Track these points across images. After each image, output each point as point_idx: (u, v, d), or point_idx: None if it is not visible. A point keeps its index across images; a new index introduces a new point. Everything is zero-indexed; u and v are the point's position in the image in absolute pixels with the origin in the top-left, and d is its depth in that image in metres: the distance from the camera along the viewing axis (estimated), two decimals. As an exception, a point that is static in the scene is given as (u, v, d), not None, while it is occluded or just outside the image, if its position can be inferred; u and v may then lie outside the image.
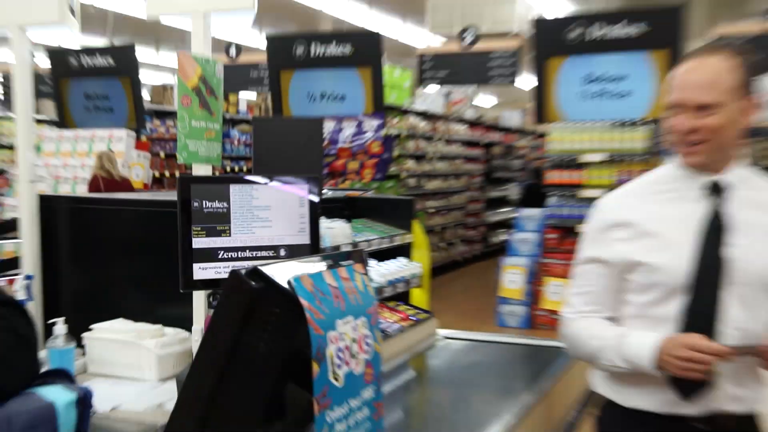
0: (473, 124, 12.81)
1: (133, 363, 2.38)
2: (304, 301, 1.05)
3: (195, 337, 2.45)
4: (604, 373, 1.91)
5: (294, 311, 1.07)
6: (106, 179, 6.55)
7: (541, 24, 7.09)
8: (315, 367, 1.06)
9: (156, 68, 16.65)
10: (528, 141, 15.24)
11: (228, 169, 10.60)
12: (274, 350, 1.08)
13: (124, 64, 7.91)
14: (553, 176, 7.08)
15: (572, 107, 7.03)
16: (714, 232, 1.78)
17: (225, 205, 2.09)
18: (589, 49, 6.77)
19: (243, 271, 1.03)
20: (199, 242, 2.06)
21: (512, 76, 8.76)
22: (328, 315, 1.09)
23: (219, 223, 2.08)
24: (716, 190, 1.81)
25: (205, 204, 2.07)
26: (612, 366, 1.81)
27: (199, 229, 2.06)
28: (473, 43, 8.81)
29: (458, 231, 11.94)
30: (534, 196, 8.38)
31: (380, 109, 7.37)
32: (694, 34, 12.41)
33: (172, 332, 2.46)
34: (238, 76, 9.86)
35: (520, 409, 2.18)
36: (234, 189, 2.10)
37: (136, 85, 8.00)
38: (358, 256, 1.27)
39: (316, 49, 7.63)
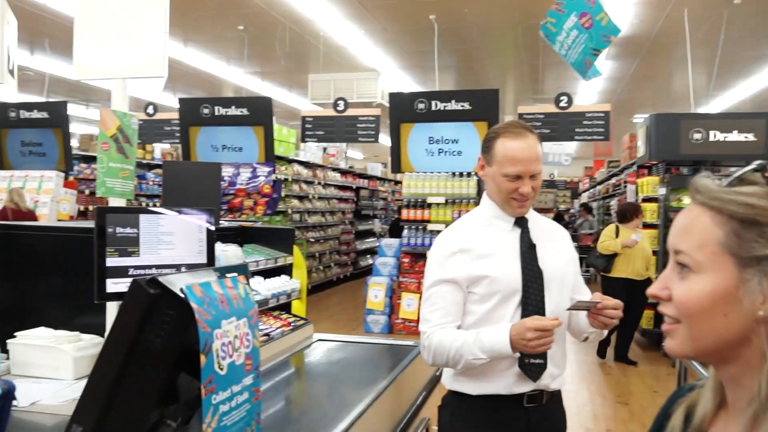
0: (345, 172, 12.88)
1: (52, 365, 2.20)
2: (194, 305, 1.01)
3: (108, 342, 2.31)
4: (454, 372, 1.90)
5: (186, 313, 1.03)
6: (14, 210, 6.27)
7: (395, 97, 7.27)
8: (202, 359, 1.02)
9: (86, 121, 15.85)
10: (388, 186, 15.49)
11: (144, 204, 10.17)
12: (168, 345, 1.03)
13: (56, 118, 7.53)
14: (408, 213, 7.20)
15: (419, 161, 7.21)
16: (529, 250, 1.88)
17: (135, 230, 1.99)
18: (431, 118, 7.00)
19: (143, 280, 0.98)
20: (112, 261, 1.95)
21: (375, 136, 8.88)
22: (215, 316, 1.06)
23: (129, 246, 1.98)
24: (522, 222, 1.92)
25: (118, 230, 1.97)
26: (475, 359, 1.77)
27: (112, 250, 1.95)
28: (344, 109, 8.89)
29: (333, 256, 11.90)
30: (397, 228, 8.53)
31: (271, 158, 7.31)
32: (504, 110, 13.16)
33: (88, 338, 2.29)
34: (154, 130, 9.48)
35: (378, 392, 2.18)
36: (143, 218, 2.01)
37: (66, 135, 7.61)
38: (241, 269, 1.24)
39: (219, 110, 7.51)
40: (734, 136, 6.59)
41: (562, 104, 7.84)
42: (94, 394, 0.99)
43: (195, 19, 8.04)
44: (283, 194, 9.11)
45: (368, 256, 13.45)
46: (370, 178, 14.42)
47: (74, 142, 10.40)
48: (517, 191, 1.85)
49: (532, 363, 1.83)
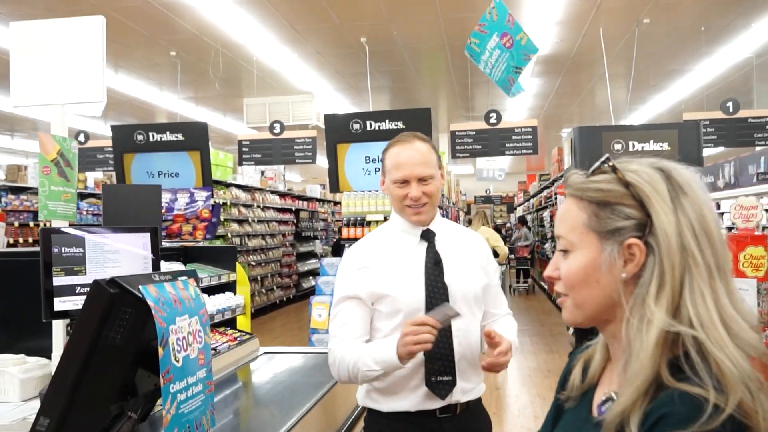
0: (284, 194, 12.92)
1: (-3, 388, 2.23)
2: (150, 303, 1.12)
3: (54, 363, 2.34)
4: (366, 388, 1.89)
5: (143, 312, 1.13)
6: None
7: (330, 119, 7.39)
8: (160, 351, 1.13)
9: (11, 152, 15.37)
10: (327, 207, 15.59)
11: (77, 236, 9.92)
12: (128, 341, 1.12)
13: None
14: (348, 232, 7.30)
15: (357, 180, 7.34)
16: (434, 266, 1.84)
17: (81, 250, 2.05)
18: (367, 138, 7.14)
19: (102, 281, 1.08)
20: (58, 280, 2.00)
21: (312, 157, 8.99)
22: (169, 313, 1.17)
23: (76, 265, 2.04)
24: (429, 236, 1.90)
25: (64, 250, 2.03)
26: (369, 370, 1.72)
27: (59, 269, 2.01)
28: (281, 132, 8.98)
29: (275, 279, 11.87)
30: (339, 248, 8.60)
31: (208, 183, 7.31)
32: (438, 128, 13.52)
33: (33, 360, 2.31)
34: (86, 158, 9.29)
35: (320, 396, 2.28)
36: (89, 238, 2.08)
37: (-9, 166, 7.39)
38: (191, 273, 1.35)
39: (154, 136, 7.49)
40: (651, 146, 7.03)
41: (491, 121, 8.17)
42: (60, 387, 1.08)
43: (126, 45, 8.00)
44: (222, 218, 9.10)
45: (310, 277, 13.47)
46: (309, 199, 14.49)
47: (0, 174, 10.08)
48: (408, 197, 1.85)
49: (439, 381, 1.80)
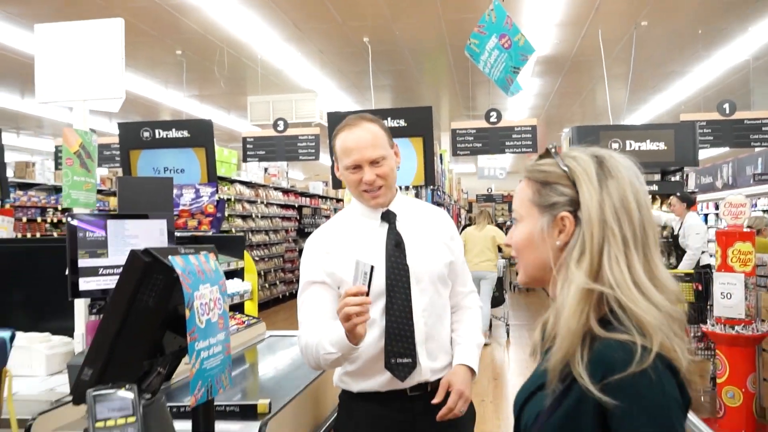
0: (287, 191, 13.11)
1: (25, 363, 2.39)
2: (178, 271, 1.29)
3: (77, 341, 2.51)
4: (339, 372, 1.90)
5: (171, 279, 1.30)
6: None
7: (333, 117, 7.52)
8: (187, 312, 1.29)
9: (15, 149, 15.60)
10: (330, 204, 15.77)
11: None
12: (158, 304, 1.30)
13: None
14: (348, 227, 7.47)
15: (359, 176, 7.52)
16: (395, 247, 1.83)
17: (103, 234, 2.23)
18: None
19: (138, 251, 1.25)
20: (83, 262, 2.18)
21: (315, 154, 9.17)
22: (194, 281, 1.33)
23: (99, 248, 2.21)
24: (389, 218, 1.88)
25: (88, 234, 2.20)
26: (326, 353, 1.70)
27: (83, 252, 2.18)
28: (284, 129, 9.16)
29: (279, 274, 12.06)
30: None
31: (213, 179, 7.47)
32: (440, 127, 13.68)
33: (57, 338, 2.49)
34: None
35: (320, 373, 2.43)
36: (110, 223, 2.25)
37: (1, 163, 7.54)
38: (211, 249, 1.52)
39: (160, 133, 7.65)
40: (647, 145, 7.19)
41: (492, 119, 8.35)
42: (101, 343, 1.25)
43: (133, 44, 8.18)
44: (226, 214, 9.27)
45: (313, 273, 13.65)
46: (312, 196, 14.68)
47: (9, 171, 10.27)
48: (362, 182, 1.82)
49: (399, 363, 1.78)
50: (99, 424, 1.06)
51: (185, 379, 2.17)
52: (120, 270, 2.23)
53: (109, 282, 2.22)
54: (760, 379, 4.65)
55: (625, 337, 0.95)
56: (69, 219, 2.16)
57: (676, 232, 6.79)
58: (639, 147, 7.20)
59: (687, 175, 7.89)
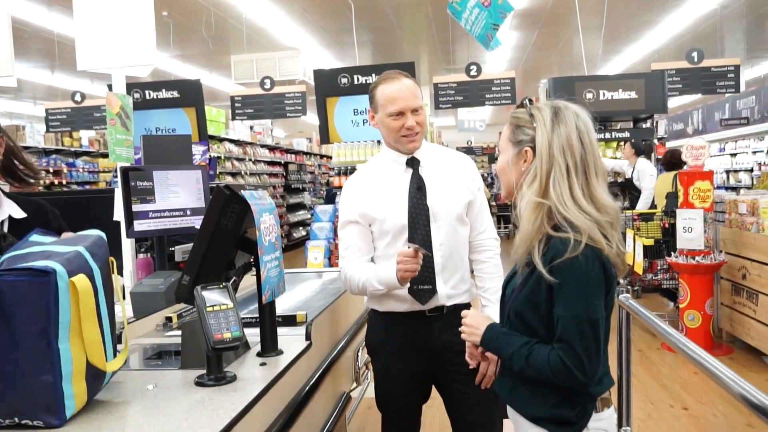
0: (273, 148, 13.39)
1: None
2: (250, 201, 1.69)
3: (126, 277, 2.90)
4: (368, 295, 2.15)
5: (243, 208, 1.70)
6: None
7: (319, 74, 7.85)
8: (257, 233, 1.70)
9: (11, 115, 15.62)
10: (314, 160, 16.07)
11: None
12: (234, 227, 1.70)
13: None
14: (339, 181, 7.83)
15: (346, 132, 7.81)
16: (417, 191, 2.07)
17: (150, 183, 2.60)
18: (355, 91, 7.55)
19: (221, 186, 1.65)
20: (136, 207, 2.56)
21: (302, 111, 9.44)
22: (259, 209, 1.73)
23: (147, 195, 2.59)
24: (413, 164, 2.11)
25: (138, 183, 2.58)
26: (374, 290, 2.02)
27: (135, 199, 2.56)
28: (271, 87, 9.41)
29: (267, 230, 12.43)
30: (332, 197, 9.18)
31: (204, 137, 7.78)
32: (420, 81, 13.94)
33: (108, 276, 2.89)
34: (83, 117, 9.71)
35: (339, 294, 2.81)
36: (156, 174, 2.62)
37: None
38: (265, 187, 1.92)
39: (150, 94, 7.92)
40: (619, 95, 7.62)
41: (472, 73, 8.68)
42: (195, 256, 1.67)
43: (119, 5, 8.34)
44: (218, 171, 9.58)
45: (300, 227, 14.04)
46: (297, 153, 14.96)
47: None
48: (404, 127, 2.05)
49: (420, 289, 2.05)
50: (209, 309, 1.48)
51: (243, 297, 2.58)
52: (165, 214, 2.64)
53: (159, 224, 2.61)
54: (717, 303, 5.20)
55: (565, 235, 1.42)
56: (121, 170, 2.53)
57: (628, 176, 7.25)
58: (612, 96, 7.63)
59: (657, 122, 8.35)
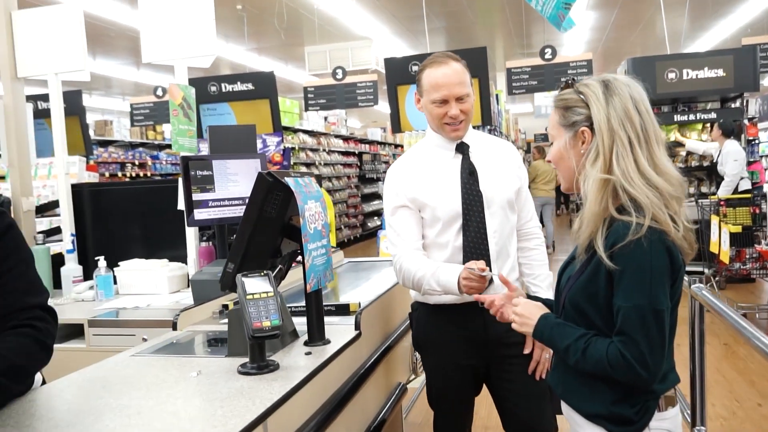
0: (347, 138, 13.48)
1: (150, 284, 2.87)
2: (293, 188, 1.66)
3: (190, 265, 2.96)
4: (423, 291, 2.03)
5: (287, 196, 1.68)
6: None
7: (390, 62, 7.79)
8: (301, 220, 1.67)
9: (91, 110, 16.52)
10: (388, 150, 16.08)
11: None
12: (278, 214, 1.67)
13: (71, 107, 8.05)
14: (408, 169, 7.78)
15: (417, 120, 7.74)
16: (469, 176, 1.99)
17: (210, 172, 2.63)
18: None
19: (264, 173, 1.63)
20: (196, 196, 2.59)
21: (374, 100, 9.44)
22: (303, 196, 1.70)
23: (207, 184, 2.62)
24: (463, 149, 2.04)
25: (198, 172, 2.61)
26: (431, 289, 1.93)
27: (195, 188, 2.59)
28: (343, 78, 9.45)
29: (343, 219, 12.55)
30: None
31: (278, 128, 7.87)
32: (495, 67, 13.65)
33: (173, 264, 2.95)
34: (164, 111, 10.08)
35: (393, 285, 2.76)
36: (215, 163, 2.65)
37: (83, 124, 8.16)
38: (311, 176, 1.89)
39: (226, 87, 8.10)
40: (705, 73, 7.17)
41: (546, 56, 8.40)
42: (239, 243, 1.65)
43: (196, 2, 8.57)
44: (292, 162, 9.74)
45: (375, 217, 14.10)
46: (371, 143, 15.00)
47: (89, 130, 10.98)
48: (447, 115, 1.97)
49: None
50: (249, 296, 1.46)
51: (291, 289, 2.58)
52: (225, 203, 2.66)
53: (218, 213, 2.64)
54: (814, 295, 4.81)
55: (627, 218, 1.30)
56: (182, 160, 2.57)
57: (715, 160, 6.82)
58: (696, 75, 7.19)
59: (747, 102, 7.80)
